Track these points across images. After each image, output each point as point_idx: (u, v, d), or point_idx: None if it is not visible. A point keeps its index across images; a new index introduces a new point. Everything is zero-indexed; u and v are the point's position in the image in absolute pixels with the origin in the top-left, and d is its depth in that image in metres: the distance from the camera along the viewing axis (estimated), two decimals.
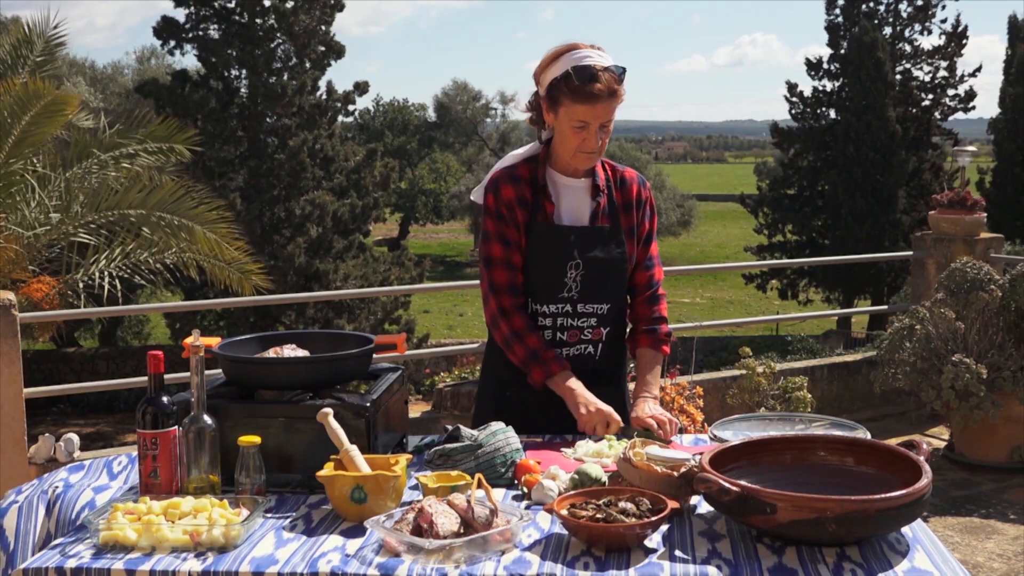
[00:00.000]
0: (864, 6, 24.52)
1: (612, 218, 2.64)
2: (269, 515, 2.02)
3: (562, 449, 2.44)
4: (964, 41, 24.62)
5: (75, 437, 4.62)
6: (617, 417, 2.50)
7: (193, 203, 7.85)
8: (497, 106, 41.37)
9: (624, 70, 2.52)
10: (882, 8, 24.77)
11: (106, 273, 7.89)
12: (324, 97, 18.50)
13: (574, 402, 2.52)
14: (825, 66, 24.49)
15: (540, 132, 2.67)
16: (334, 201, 17.40)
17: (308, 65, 18.04)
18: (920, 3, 24.53)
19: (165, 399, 2.09)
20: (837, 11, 24.70)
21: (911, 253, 6.98)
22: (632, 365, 2.86)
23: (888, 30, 24.66)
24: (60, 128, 8.01)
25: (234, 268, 8.27)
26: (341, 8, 18.31)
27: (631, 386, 2.78)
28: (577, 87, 2.46)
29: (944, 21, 24.96)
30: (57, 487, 2.24)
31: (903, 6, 24.73)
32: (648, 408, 2.59)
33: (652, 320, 2.73)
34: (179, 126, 8.55)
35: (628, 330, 2.78)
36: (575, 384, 2.55)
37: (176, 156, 8.55)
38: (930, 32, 24.88)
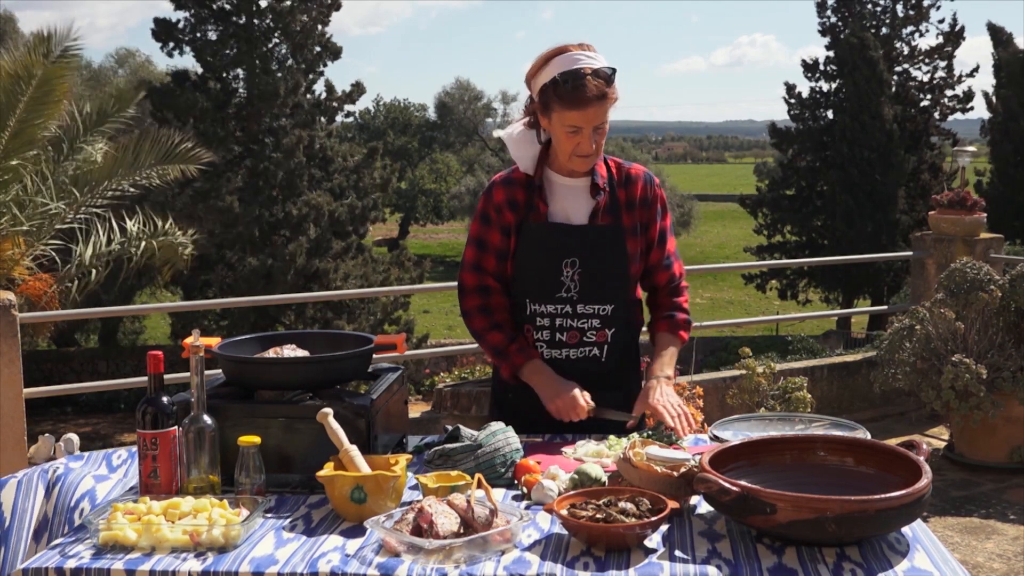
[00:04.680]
0: (858, 7, 24.53)
1: (614, 216, 2.60)
2: (269, 515, 2.02)
3: (562, 449, 2.44)
4: (961, 41, 24.62)
5: (75, 437, 4.60)
6: (582, 403, 2.49)
7: None
8: (498, 106, 41.46)
9: (614, 71, 2.48)
10: (878, 9, 24.79)
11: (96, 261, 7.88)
12: (323, 97, 18.51)
13: (543, 395, 2.54)
14: (822, 67, 24.50)
15: (539, 134, 2.64)
16: (331, 202, 17.39)
17: (304, 65, 18.04)
18: (915, 3, 24.55)
19: (165, 399, 2.09)
20: (828, 12, 24.73)
21: (911, 253, 6.98)
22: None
23: (885, 31, 24.67)
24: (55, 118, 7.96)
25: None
26: (338, 7, 18.32)
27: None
28: (566, 93, 2.43)
29: (941, 21, 24.97)
30: (58, 469, 2.24)
31: (899, 7, 24.74)
32: (661, 393, 2.53)
33: (672, 308, 2.74)
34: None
35: (648, 321, 2.78)
36: (541, 370, 2.56)
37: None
38: (924, 33, 24.93)
